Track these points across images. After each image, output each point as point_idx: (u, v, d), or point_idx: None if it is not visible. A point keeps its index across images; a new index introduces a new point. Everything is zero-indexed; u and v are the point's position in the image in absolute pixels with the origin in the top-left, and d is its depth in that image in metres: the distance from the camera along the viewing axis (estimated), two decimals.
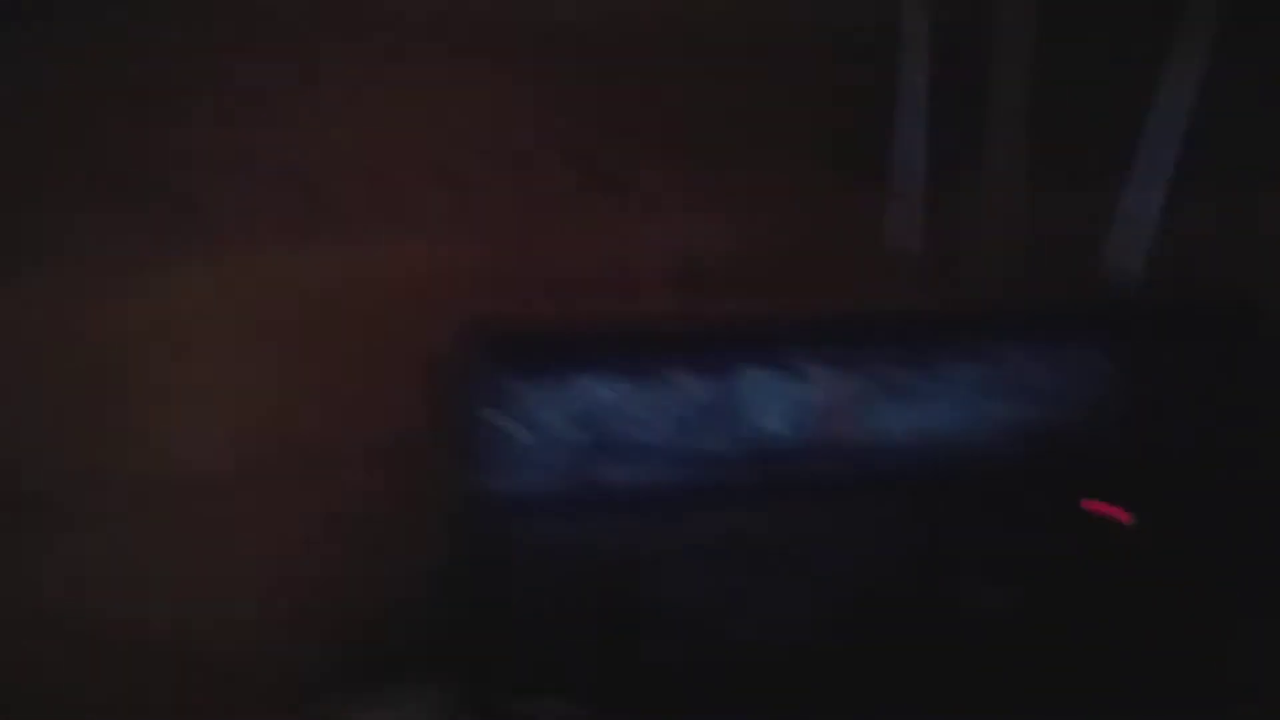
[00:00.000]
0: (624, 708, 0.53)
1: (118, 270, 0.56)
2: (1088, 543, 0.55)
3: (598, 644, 0.52)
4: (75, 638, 0.59)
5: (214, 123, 0.58)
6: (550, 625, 0.52)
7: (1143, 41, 0.75)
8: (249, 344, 0.61)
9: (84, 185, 0.55)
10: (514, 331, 0.51)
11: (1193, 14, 0.71)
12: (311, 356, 0.62)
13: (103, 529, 0.58)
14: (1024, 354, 0.53)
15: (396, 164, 0.64)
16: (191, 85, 0.57)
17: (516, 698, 0.52)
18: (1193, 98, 0.68)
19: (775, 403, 0.52)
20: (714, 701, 0.54)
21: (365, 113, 0.62)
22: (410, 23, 0.62)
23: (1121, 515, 0.55)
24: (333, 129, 0.61)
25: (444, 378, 0.52)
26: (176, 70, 0.57)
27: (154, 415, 0.59)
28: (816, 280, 0.82)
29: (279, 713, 0.62)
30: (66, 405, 0.57)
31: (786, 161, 0.80)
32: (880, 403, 0.52)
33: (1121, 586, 0.55)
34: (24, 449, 0.56)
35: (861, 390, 0.52)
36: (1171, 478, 0.55)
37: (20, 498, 0.56)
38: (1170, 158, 0.69)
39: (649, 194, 0.74)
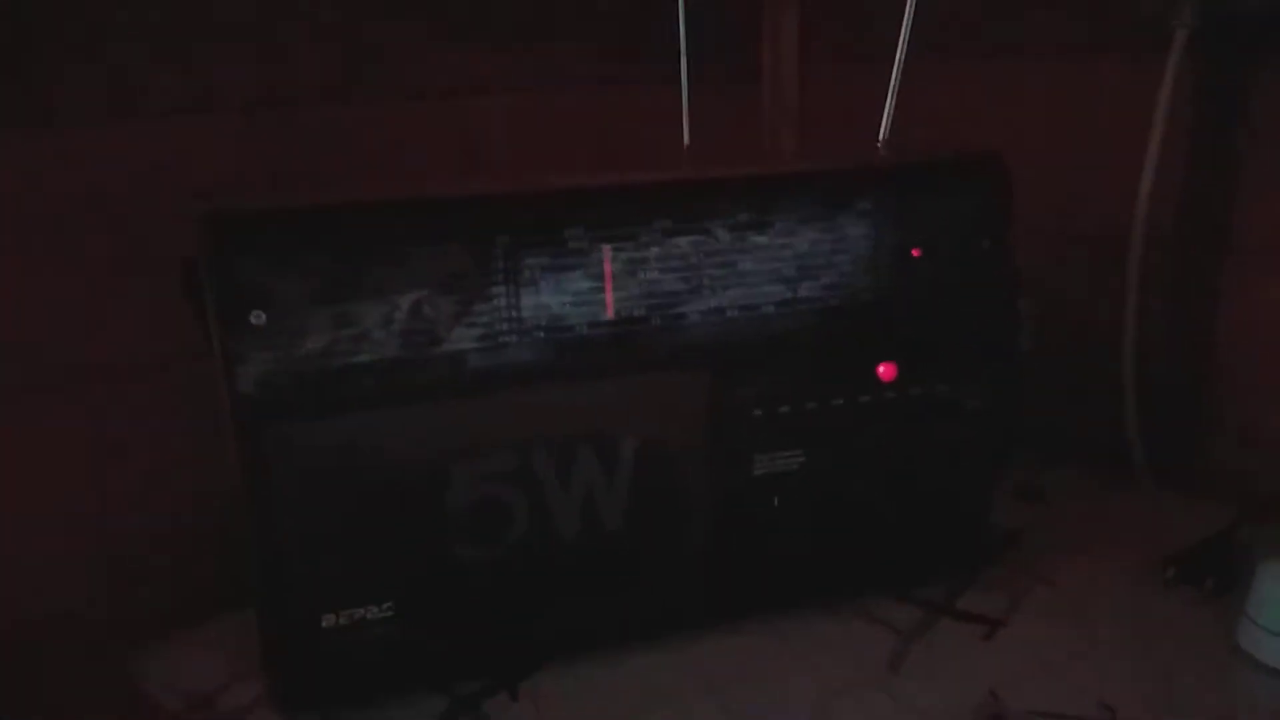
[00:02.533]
0: (446, 614, 0.51)
1: None
2: (862, 403, 0.57)
3: (392, 551, 0.50)
4: None
5: None
6: (338, 531, 0.49)
7: None
8: None
9: None
10: (249, 216, 0.46)
11: None
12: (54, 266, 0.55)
13: None
14: (798, 221, 0.53)
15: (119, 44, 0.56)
16: None
17: (319, 607, 0.49)
18: None
19: (558, 282, 0.50)
20: (539, 597, 0.53)
21: None
22: None
23: (888, 370, 0.57)
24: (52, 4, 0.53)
25: (192, 274, 0.47)
26: None
27: None
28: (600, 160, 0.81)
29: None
30: None
31: (569, 45, 0.78)
32: (667, 276, 0.52)
33: (888, 443, 0.58)
34: None
35: (642, 266, 0.51)
36: (936, 337, 0.58)
37: None
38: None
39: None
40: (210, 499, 0.61)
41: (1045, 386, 0.75)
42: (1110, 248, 0.74)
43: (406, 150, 0.69)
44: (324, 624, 0.49)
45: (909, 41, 0.65)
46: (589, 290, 0.50)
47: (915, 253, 0.55)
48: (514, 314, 0.49)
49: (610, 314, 0.51)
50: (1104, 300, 0.75)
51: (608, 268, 0.50)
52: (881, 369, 0.56)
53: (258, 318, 0.45)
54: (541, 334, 0.50)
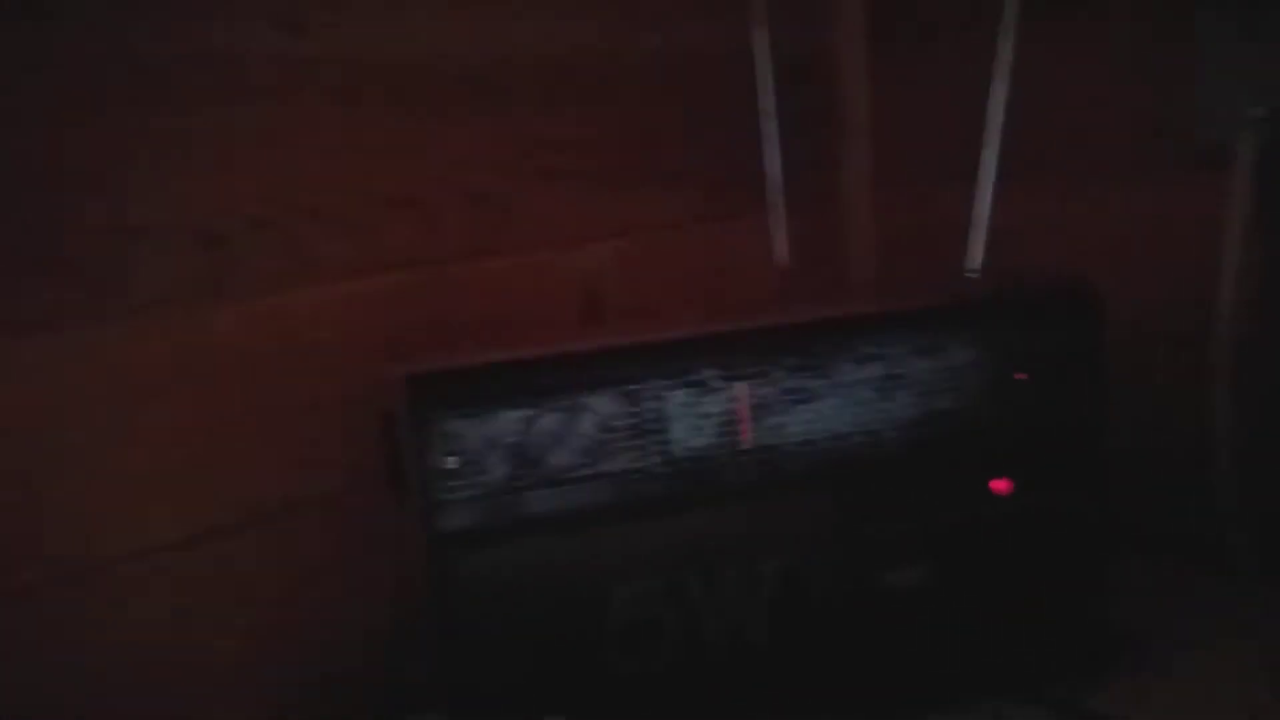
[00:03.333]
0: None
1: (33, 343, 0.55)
2: (979, 516, 0.61)
3: (561, 663, 0.55)
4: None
5: (116, 192, 0.58)
6: (512, 650, 0.54)
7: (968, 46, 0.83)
8: (176, 411, 0.60)
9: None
10: (441, 375, 0.53)
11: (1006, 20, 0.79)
12: (241, 414, 0.63)
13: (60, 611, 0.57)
14: (906, 351, 0.59)
15: (299, 215, 0.65)
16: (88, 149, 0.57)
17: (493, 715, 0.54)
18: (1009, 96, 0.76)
19: (701, 418, 0.56)
20: (672, 702, 0.58)
21: (260, 164, 0.63)
22: (290, 67, 0.64)
23: (1003, 487, 0.62)
24: (232, 181, 0.62)
25: (386, 428, 0.54)
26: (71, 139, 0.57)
27: (90, 495, 0.58)
28: (705, 298, 0.88)
29: None
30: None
31: (671, 188, 0.86)
32: (785, 408, 0.57)
33: (1010, 551, 0.62)
34: None
35: (766, 398, 0.57)
36: (1041, 450, 0.62)
37: None
38: (996, 155, 0.77)
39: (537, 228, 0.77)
40: (375, 623, 0.67)
41: (1138, 484, 0.79)
42: (1191, 352, 0.78)
43: (538, 294, 0.77)
44: None
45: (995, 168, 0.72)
46: (725, 424, 0.56)
47: (1019, 376, 0.60)
48: (665, 448, 0.55)
49: (746, 443, 0.57)
50: (1196, 397, 0.79)
51: (744, 402, 0.56)
52: (995, 484, 0.61)
53: (452, 463, 0.52)
54: (686, 465, 0.56)
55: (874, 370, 0.58)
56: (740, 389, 0.56)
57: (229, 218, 0.62)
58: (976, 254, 0.70)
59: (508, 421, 0.53)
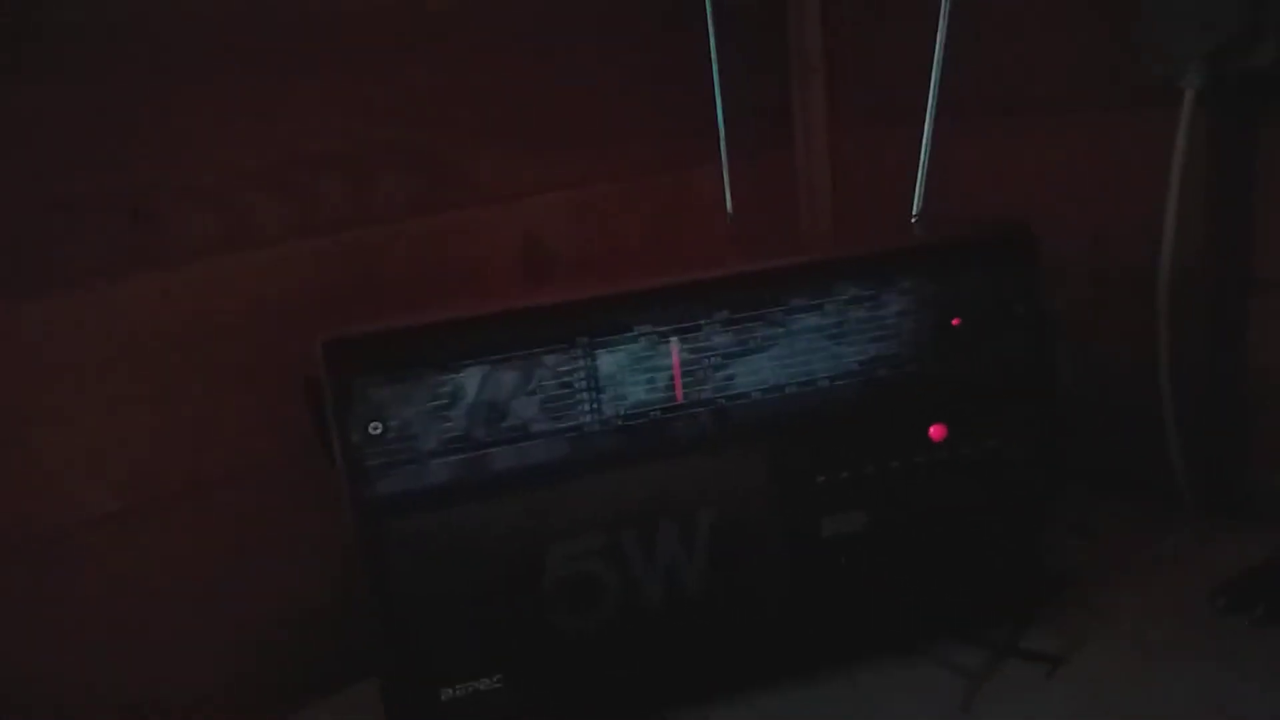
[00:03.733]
0: (547, 679, 0.57)
1: None
2: (917, 463, 0.61)
3: (500, 623, 0.56)
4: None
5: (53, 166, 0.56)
6: (447, 607, 0.55)
7: None
8: (113, 382, 0.60)
9: None
10: (359, 340, 0.52)
11: None
12: (175, 386, 0.62)
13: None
14: (840, 301, 0.58)
15: (232, 175, 0.63)
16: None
17: (438, 681, 0.54)
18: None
19: (631, 373, 0.55)
20: (629, 660, 0.58)
21: (189, 132, 0.62)
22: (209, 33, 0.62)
23: (940, 433, 0.62)
24: (158, 153, 0.61)
25: (309, 394, 0.53)
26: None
27: (28, 461, 0.57)
28: (659, 251, 0.87)
29: None
30: None
31: (622, 141, 0.85)
32: (719, 363, 0.57)
33: (948, 497, 0.62)
34: None
35: (699, 353, 0.57)
36: (978, 396, 0.62)
37: None
38: (935, 97, 0.76)
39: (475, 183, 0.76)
40: (320, 586, 0.67)
41: (1090, 424, 0.80)
42: (1140, 288, 0.78)
43: (483, 248, 0.76)
44: (443, 697, 0.55)
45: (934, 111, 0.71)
46: (660, 380, 0.56)
47: (955, 322, 0.60)
48: (596, 406, 0.55)
49: (680, 399, 0.56)
50: (1139, 339, 0.79)
51: (675, 358, 0.56)
52: (932, 430, 0.61)
53: (375, 429, 0.51)
54: (620, 422, 0.56)
55: (809, 321, 0.57)
56: (673, 344, 0.56)
57: (156, 188, 0.60)
58: (918, 198, 0.70)
59: (430, 385, 0.52)
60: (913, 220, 0.69)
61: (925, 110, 0.71)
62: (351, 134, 0.68)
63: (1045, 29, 0.83)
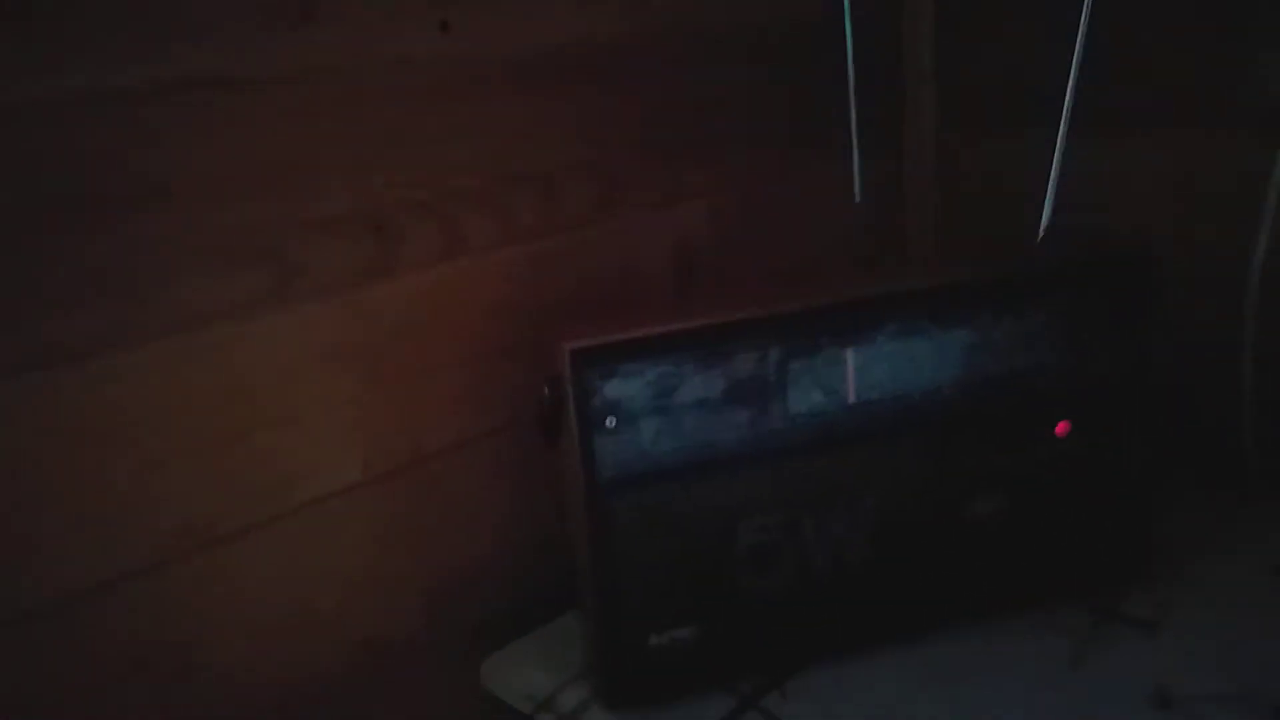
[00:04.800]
0: (736, 631, 0.68)
1: (241, 320, 0.65)
2: (1047, 455, 0.71)
3: (697, 583, 0.66)
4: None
5: (306, 197, 0.66)
6: (656, 571, 0.66)
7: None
8: (356, 375, 0.70)
9: (208, 252, 0.63)
10: (600, 349, 0.63)
11: None
12: (404, 378, 0.73)
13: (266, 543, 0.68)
14: (994, 317, 0.68)
15: (443, 193, 0.73)
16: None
17: (646, 631, 0.66)
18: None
19: (810, 380, 0.65)
20: (795, 618, 0.69)
21: (414, 157, 0.71)
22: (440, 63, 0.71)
23: (1062, 427, 0.72)
24: (389, 175, 0.70)
25: (552, 390, 0.63)
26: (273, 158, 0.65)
27: (295, 439, 0.68)
28: (790, 242, 0.97)
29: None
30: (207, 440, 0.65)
31: (753, 146, 0.94)
32: (884, 368, 0.67)
33: (1069, 483, 0.73)
34: (173, 484, 0.65)
35: (868, 360, 0.66)
36: (1100, 398, 0.72)
37: (185, 526, 0.65)
38: (1069, 113, 0.84)
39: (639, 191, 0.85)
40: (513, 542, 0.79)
41: (1176, 413, 0.89)
42: (1230, 290, 0.87)
43: (642, 253, 0.85)
44: (650, 642, 0.66)
45: (1067, 123, 0.79)
46: (836, 383, 0.66)
47: (1084, 333, 0.70)
48: (783, 405, 0.65)
49: (851, 399, 0.66)
50: (1223, 338, 0.88)
51: (849, 366, 0.66)
52: (1059, 427, 0.71)
53: (610, 424, 0.62)
54: (802, 419, 0.66)
55: (959, 334, 0.67)
56: (848, 354, 0.66)
57: (390, 205, 0.70)
58: (1046, 214, 0.78)
59: (653, 386, 0.63)
60: (1039, 239, 0.78)
61: (1046, 123, 0.80)
62: (543, 155, 0.78)
63: (1157, 47, 0.90)
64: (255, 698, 0.68)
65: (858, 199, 1.00)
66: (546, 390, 0.63)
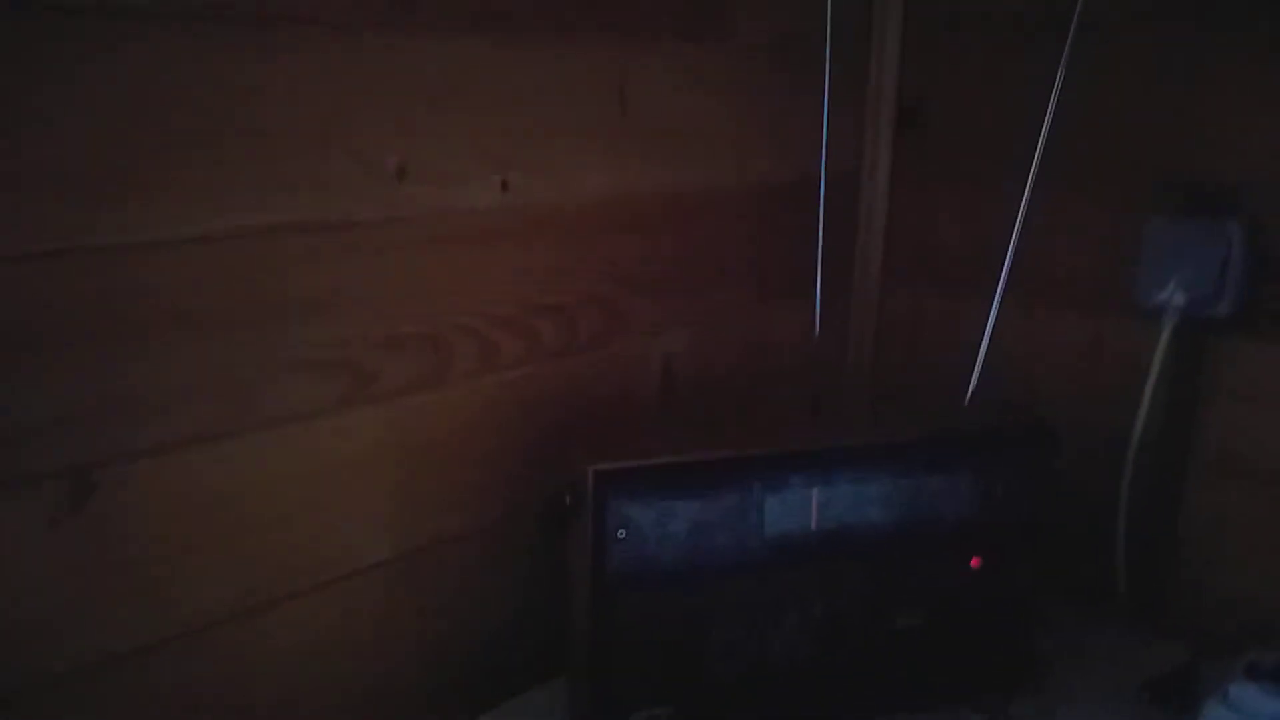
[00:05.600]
0: (701, 710, 0.82)
1: (311, 421, 0.77)
2: (959, 582, 0.88)
3: (677, 668, 0.80)
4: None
5: (378, 317, 0.79)
6: (643, 656, 0.79)
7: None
8: (398, 468, 0.83)
9: (291, 361, 0.75)
10: (617, 472, 0.77)
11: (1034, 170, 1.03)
12: (433, 473, 0.86)
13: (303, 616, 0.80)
14: (926, 471, 0.84)
15: (487, 319, 0.87)
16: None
17: (631, 706, 0.79)
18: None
19: (782, 510, 0.81)
20: (752, 702, 0.83)
21: (458, 290, 0.85)
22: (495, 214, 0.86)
23: (976, 563, 0.88)
24: (446, 300, 0.84)
25: (570, 499, 0.77)
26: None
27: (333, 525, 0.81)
28: (755, 364, 1.13)
29: None
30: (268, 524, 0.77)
31: (729, 286, 1.10)
32: (839, 504, 0.82)
33: (975, 605, 0.89)
34: (233, 560, 0.76)
35: (829, 496, 0.82)
36: (1002, 538, 0.89)
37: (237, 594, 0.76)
38: (1000, 295, 1.03)
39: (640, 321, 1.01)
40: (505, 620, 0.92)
41: (1060, 545, 1.07)
42: (1113, 450, 1.05)
43: (632, 375, 1.00)
44: (634, 717, 0.79)
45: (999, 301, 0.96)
46: (802, 513, 0.81)
47: (996, 486, 0.87)
48: (759, 530, 0.80)
49: (814, 527, 0.82)
50: (1107, 483, 1.06)
51: (815, 501, 0.81)
52: (973, 560, 0.87)
53: (621, 535, 0.76)
54: (773, 538, 0.81)
55: (900, 482, 0.84)
56: (814, 491, 0.81)
57: (447, 327, 0.84)
58: (974, 383, 0.96)
59: (659, 509, 0.77)
60: (966, 404, 0.96)
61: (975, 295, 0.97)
62: (564, 290, 0.92)
63: (1073, 244, 1.09)
64: None
65: (816, 334, 1.17)
66: (567, 498, 0.77)
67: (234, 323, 0.71)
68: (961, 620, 0.89)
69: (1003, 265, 1.03)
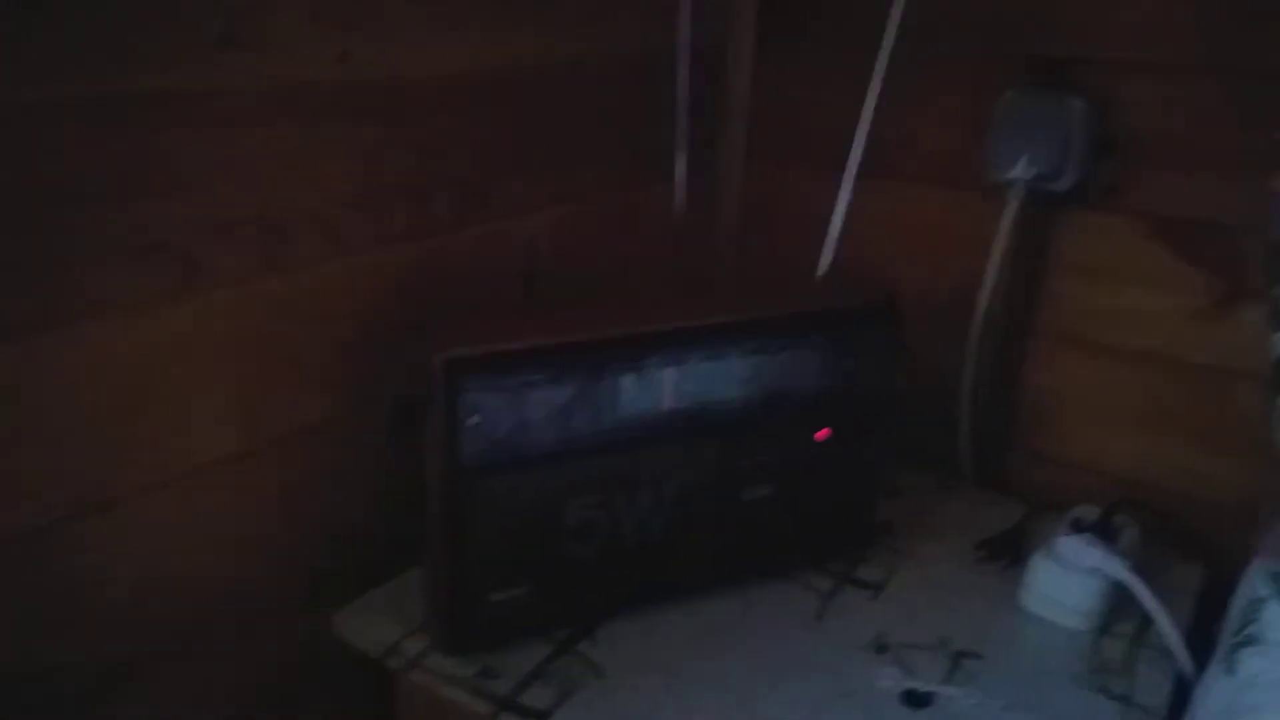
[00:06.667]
0: (558, 589, 0.83)
1: (139, 311, 0.73)
2: (806, 454, 0.91)
3: (531, 550, 0.81)
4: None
5: (204, 199, 0.75)
6: (499, 541, 0.80)
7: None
8: (246, 358, 0.80)
9: (111, 246, 0.70)
10: (467, 359, 0.75)
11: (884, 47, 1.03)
12: (285, 359, 0.83)
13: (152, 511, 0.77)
14: (775, 348, 0.86)
15: (329, 201, 0.83)
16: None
17: (488, 589, 0.80)
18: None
19: (636, 391, 0.81)
20: (612, 577, 0.86)
21: (294, 170, 0.80)
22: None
23: (823, 433, 0.91)
24: (283, 181, 0.79)
25: (411, 388, 0.76)
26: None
27: (175, 418, 0.77)
28: (621, 244, 1.12)
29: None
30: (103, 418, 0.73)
31: (593, 163, 1.07)
32: (691, 382, 0.83)
33: (822, 475, 0.92)
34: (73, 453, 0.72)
35: (680, 375, 0.83)
36: (850, 410, 0.92)
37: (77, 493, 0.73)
38: (855, 170, 1.03)
39: (500, 202, 0.98)
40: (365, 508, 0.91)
41: (907, 414, 1.12)
42: (958, 322, 1.10)
43: (494, 258, 0.98)
44: (492, 598, 0.81)
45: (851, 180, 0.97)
46: (654, 394, 0.82)
47: (842, 362, 0.89)
48: (611, 409, 0.80)
49: (668, 406, 0.83)
50: (951, 357, 1.11)
51: (667, 381, 0.82)
52: (818, 433, 0.90)
53: (474, 421, 0.75)
54: (628, 419, 0.81)
55: (751, 360, 0.85)
56: (667, 371, 0.82)
57: (285, 214, 0.79)
58: (825, 261, 0.97)
59: (512, 395, 0.76)
60: (818, 276, 0.97)
61: (836, 172, 0.98)
62: (415, 170, 0.88)
63: (930, 119, 1.10)
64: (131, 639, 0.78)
65: (677, 209, 1.17)
66: (419, 388, 0.76)
67: (46, 203, 0.66)
68: (810, 491, 0.92)
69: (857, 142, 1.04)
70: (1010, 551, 1.00)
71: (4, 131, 0.63)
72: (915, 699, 0.82)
